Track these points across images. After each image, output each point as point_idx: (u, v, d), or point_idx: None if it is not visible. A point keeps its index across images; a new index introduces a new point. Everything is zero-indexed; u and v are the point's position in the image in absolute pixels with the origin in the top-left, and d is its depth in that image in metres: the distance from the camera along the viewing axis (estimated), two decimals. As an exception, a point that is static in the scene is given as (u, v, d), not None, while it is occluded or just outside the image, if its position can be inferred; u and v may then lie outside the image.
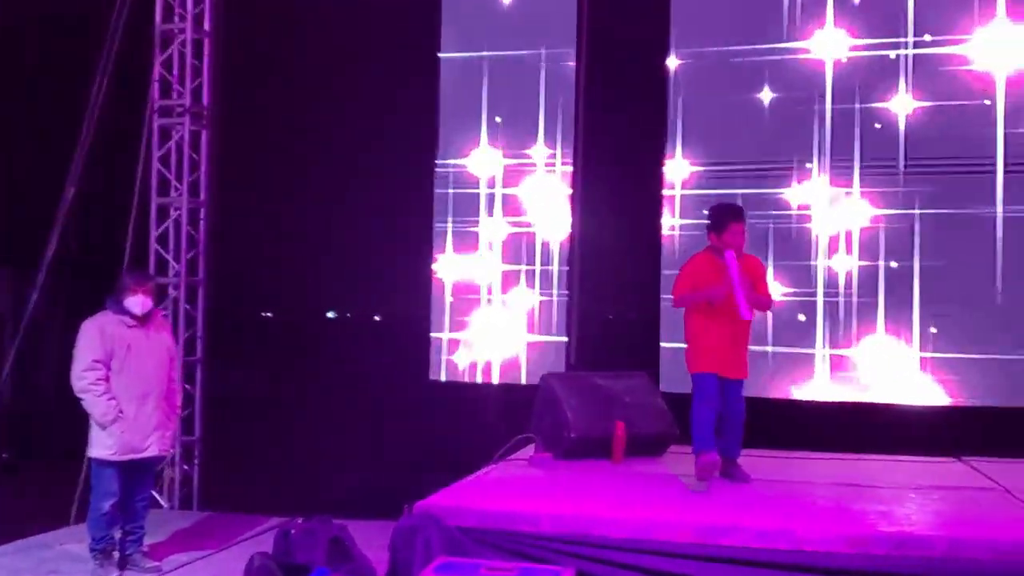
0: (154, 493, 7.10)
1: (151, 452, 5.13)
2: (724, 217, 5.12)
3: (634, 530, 4.13)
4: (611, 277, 7.21)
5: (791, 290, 6.82)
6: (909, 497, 4.86)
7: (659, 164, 7.18)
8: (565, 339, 7.23)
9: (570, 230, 7.33)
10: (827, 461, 5.96)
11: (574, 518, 4.22)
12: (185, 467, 7.41)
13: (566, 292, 7.31)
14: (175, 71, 7.75)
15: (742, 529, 4.08)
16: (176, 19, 7.77)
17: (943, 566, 3.87)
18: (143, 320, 5.18)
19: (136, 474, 5.13)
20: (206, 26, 7.82)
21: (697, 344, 5.12)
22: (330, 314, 7.50)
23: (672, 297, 5.25)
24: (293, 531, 4.75)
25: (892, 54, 6.68)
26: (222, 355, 7.55)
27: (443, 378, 7.43)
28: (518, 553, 4.18)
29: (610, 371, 6.37)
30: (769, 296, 5.30)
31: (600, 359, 6.98)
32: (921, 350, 6.64)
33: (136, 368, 5.07)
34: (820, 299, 6.81)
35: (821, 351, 6.79)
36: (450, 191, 7.46)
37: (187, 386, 7.57)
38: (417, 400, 7.24)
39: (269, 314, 7.51)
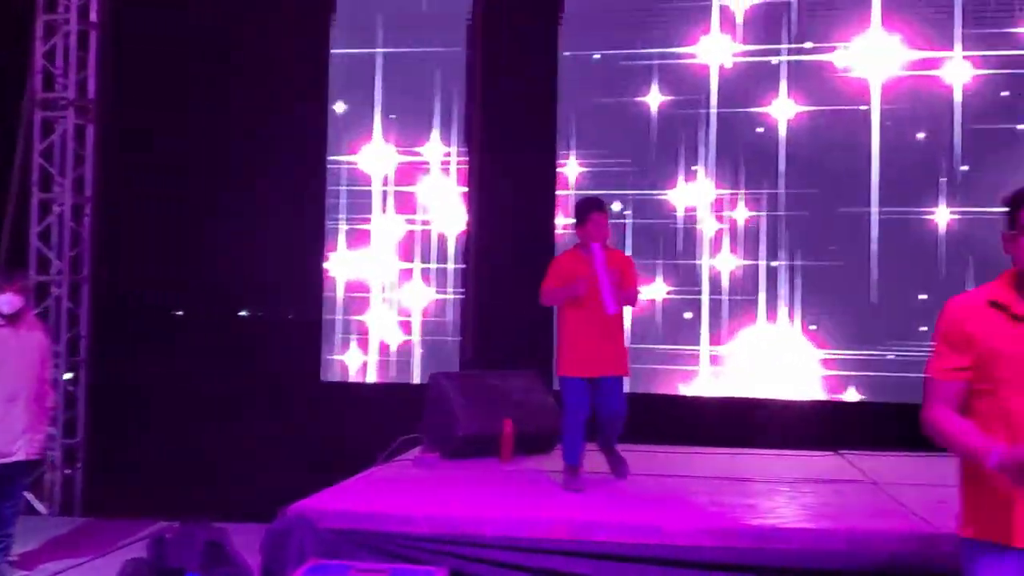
0: (32, 499, 6.90)
1: (19, 456, 4.97)
2: (585, 209, 5.02)
3: (507, 528, 4.16)
4: (506, 275, 7.23)
5: (674, 288, 6.98)
6: (780, 491, 5.02)
7: (552, 163, 7.25)
8: (459, 338, 7.24)
9: (465, 227, 7.35)
10: (709, 456, 6.12)
11: (448, 518, 4.23)
12: (67, 471, 7.21)
13: (461, 290, 7.33)
14: (59, 63, 7.54)
15: (614, 525, 4.16)
16: (60, 9, 7.55)
17: (803, 558, 3.99)
18: (13, 319, 5.02)
19: (3, 480, 4.97)
20: (92, 17, 7.62)
21: (564, 344, 5.03)
22: (220, 313, 7.36)
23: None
24: (168, 536, 4.66)
25: (773, 60, 6.88)
26: (109, 355, 7.37)
27: (336, 378, 7.37)
28: (393, 554, 4.17)
29: (501, 369, 6.42)
30: (637, 290, 5.24)
31: (495, 357, 7.01)
32: (800, 347, 6.86)
33: (4, 369, 4.91)
34: (705, 297, 6.98)
35: (706, 348, 6.96)
36: (342, 187, 7.40)
37: (70, 388, 7.37)
38: (309, 400, 7.17)
39: (156, 312, 7.32)
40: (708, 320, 6.95)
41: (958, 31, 6.75)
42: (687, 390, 7.03)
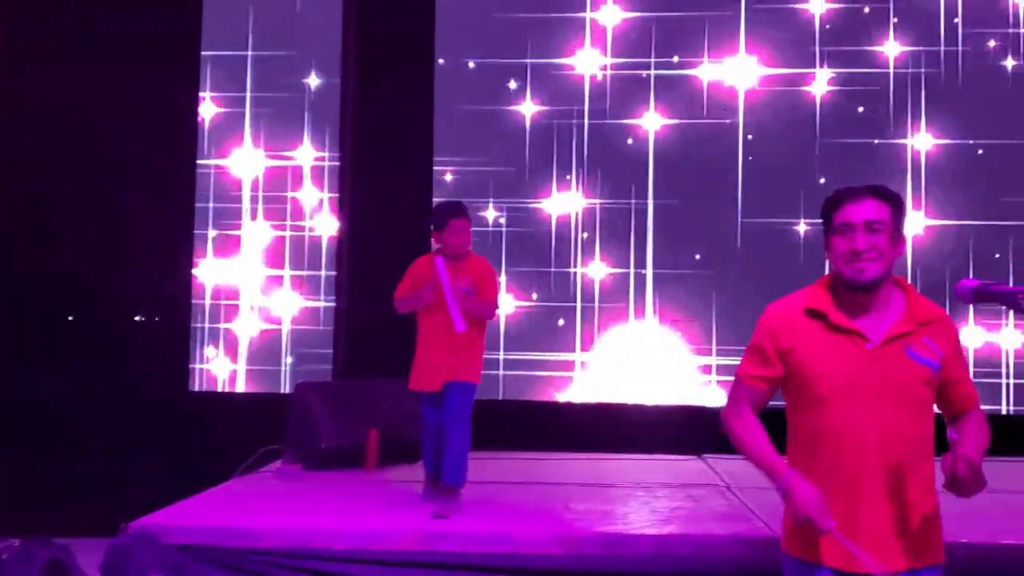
0: None
1: None
2: (444, 214, 4.79)
3: (356, 541, 4.12)
4: (379, 282, 7.13)
5: (546, 297, 7.04)
6: (636, 496, 5.10)
7: (428, 169, 7.22)
8: (331, 350, 7.14)
9: (337, 234, 7.25)
10: (574, 461, 6.18)
11: (296, 531, 4.16)
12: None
13: (333, 297, 7.23)
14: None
15: (462, 535, 4.15)
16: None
17: (651, 563, 4.06)
18: None
19: None
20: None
21: (416, 355, 4.88)
22: (81, 319, 7.06)
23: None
24: (5, 555, 4.45)
25: (644, 73, 7.01)
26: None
27: (204, 387, 7.18)
28: (240, 570, 4.08)
29: (369, 378, 6.36)
30: (494, 303, 4.94)
31: (367, 366, 6.93)
32: (668, 352, 6.99)
33: None
34: (578, 304, 7.06)
35: (579, 355, 7.03)
36: (211, 190, 7.22)
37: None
38: (174, 411, 6.95)
39: (7, 318, 6.98)
40: (580, 327, 7.03)
41: (818, 48, 7.00)
42: (561, 396, 7.09)
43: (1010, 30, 6.96)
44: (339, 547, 4.11)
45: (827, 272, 2.70)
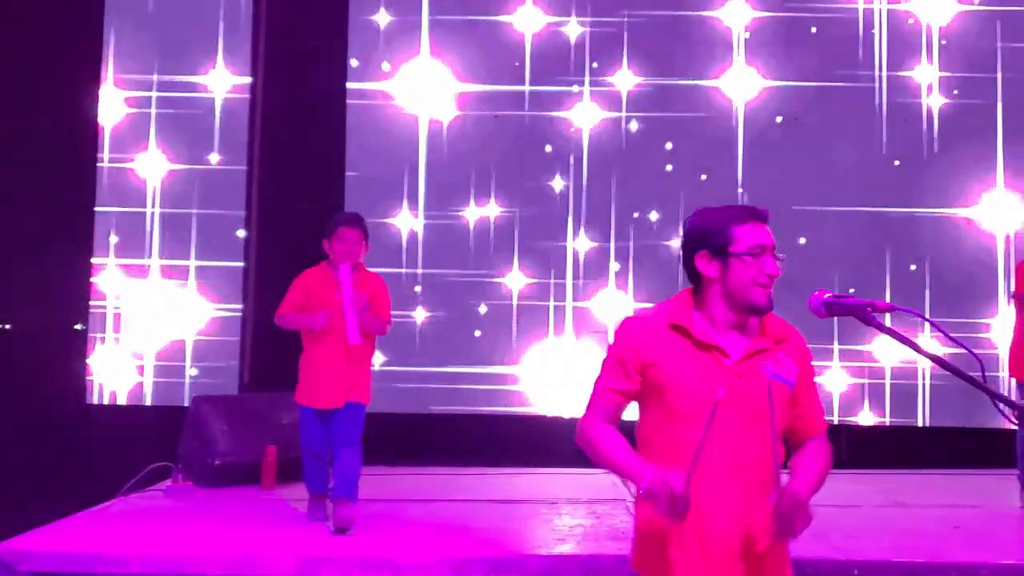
0: None
1: None
2: (334, 222, 4.60)
3: (228, 567, 3.91)
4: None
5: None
6: (539, 513, 4.94)
7: (341, 175, 7.01)
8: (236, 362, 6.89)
9: (244, 243, 7.00)
10: (487, 476, 6.01)
11: (166, 557, 3.94)
12: None
13: (240, 306, 6.98)
14: None
15: (343, 560, 3.96)
16: None
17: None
18: None
19: None
20: None
21: (301, 368, 4.65)
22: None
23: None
24: None
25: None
26: None
27: (103, 400, 6.87)
28: (105, 598, 3.86)
29: (272, 391, 6.12)
30: (387, 318, 4.69)
31: (275, 377, 6.67)
32: (584, 362, 6.83)
33: None
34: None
35: (498, 367, 6.87)
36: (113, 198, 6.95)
37: None
38: (70, 425, 6.63)
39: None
40: (499, 337, 6.87)
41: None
42: (476, 408, 6.91)
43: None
44: (212, 572, 3.90)
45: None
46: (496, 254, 6.93)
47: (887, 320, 2.40)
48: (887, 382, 6.80)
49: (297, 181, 7.05)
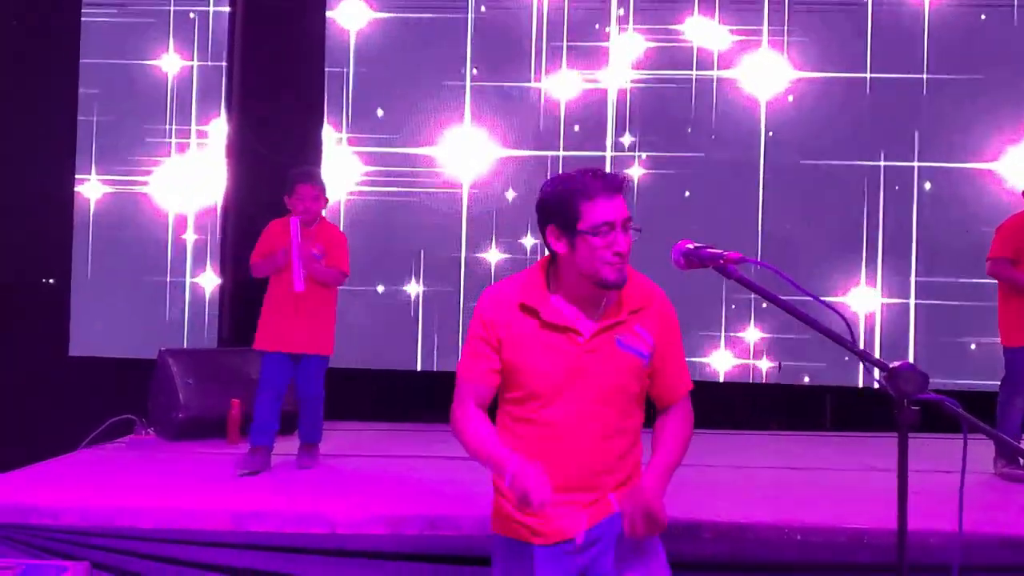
0: None
1: None
2: (294, 179, 4.87)
3: (163, 519, 3.90)
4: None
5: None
6: (476, 469, 4.83)
7: (318, 140, 6.90)
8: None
9: (223, 197, 6.93)
10: (430, 432, 5.89)
11: (100, 509, 3.95)
12: None
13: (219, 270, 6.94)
14: None
15: (277, 514, 3.94)
16: None
17: (467, 545, 3.85)
18: None
19: None
20: None
21: (261, 315, 4.92)
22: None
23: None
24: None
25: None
26: None
27: (87, 352, 6.89)
28: (40, 548, 3.87)
29: (243, 346, 6.10)
30: (342, 270, 4.95)
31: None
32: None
33: None
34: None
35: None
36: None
37: None
38: (53, 378, 6.68)
39: None
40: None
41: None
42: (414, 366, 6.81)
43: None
44: (145, 525, 3.90)
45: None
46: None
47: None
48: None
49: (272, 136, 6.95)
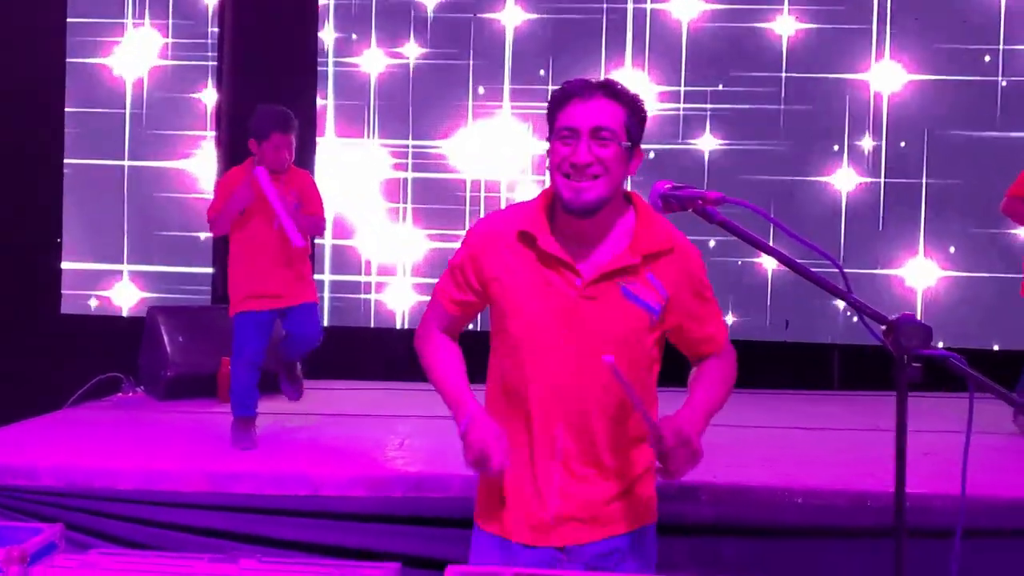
0: None
1: None
2: (268, 125, 4.31)
3: (141, 480, 3.79)
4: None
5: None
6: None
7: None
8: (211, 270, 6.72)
9: (217, 162, 6.71)
10: (415, 393, 5.75)
11: (77, 470, 3.84)
12: None
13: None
14: None
15: (257, 475, 3.82)
16: None
17: (449, 507, 3.71)
18: None
19: None
20: None
21: (236, 276, 4.46)
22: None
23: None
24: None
25: None
26: None
27: (80, 311, 6.77)
28: (14, 509, 3.77)
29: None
30: (322, 216, 4.63)
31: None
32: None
33: None
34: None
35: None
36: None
37: None
38: (46, 337, 6.56)
39: None
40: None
41: None
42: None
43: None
44: (124, 487, 3.79)
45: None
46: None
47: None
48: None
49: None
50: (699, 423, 2.07)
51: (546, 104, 2.14)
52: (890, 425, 1.72)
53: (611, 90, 2.08)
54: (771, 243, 1.98)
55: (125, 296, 6.75)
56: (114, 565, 1.77)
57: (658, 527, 2.32)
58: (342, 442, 4.40)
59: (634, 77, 6.39)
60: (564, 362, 2.09)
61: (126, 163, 6.75)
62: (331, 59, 6.69)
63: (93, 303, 6.76)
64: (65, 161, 6.74)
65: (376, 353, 6.41)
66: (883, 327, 1.74)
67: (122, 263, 6.75)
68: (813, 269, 1.90)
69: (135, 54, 6.73)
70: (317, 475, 3.82)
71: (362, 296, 6.65)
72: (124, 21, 6.75)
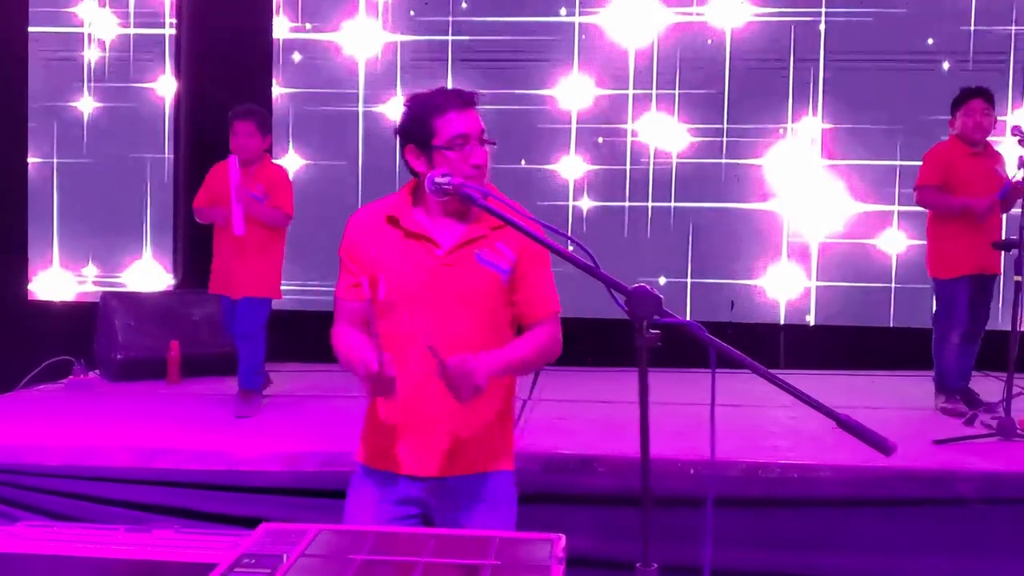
0: None
1: None
2: (230, 117, 4.78)
3: (68, 456, 4.00)
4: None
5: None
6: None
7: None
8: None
9: (174, 147, 6.90)
10: (334, 373, 5.88)
11: (6, 448, 4.06)
12: None
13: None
14: None
15: (178, 451, 4.02)
16: None
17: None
18: None
19: None
20: None
21: (213, 260, 4.97)
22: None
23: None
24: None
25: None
26: None
27: (49, 297, 6.97)
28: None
29: (192, 290, 6.18)
30: (286, 210, 4.83)
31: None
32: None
33: None
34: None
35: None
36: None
37: None
38: (10, 322, 6.77)
39: None
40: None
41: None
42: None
43: None
44: (52, 463, 4.00)
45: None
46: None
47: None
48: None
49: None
50: (492, 364, 2.31)
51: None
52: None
53: (475, 99, 2.42)
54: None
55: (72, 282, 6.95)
56: (38, 535, 1.98)
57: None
58: (262, 420, 4.63)
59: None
60: (431, 320, 2.40)
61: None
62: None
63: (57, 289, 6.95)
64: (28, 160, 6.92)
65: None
66: (623, 297, 1.86)
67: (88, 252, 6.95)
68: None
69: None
70: (235, 451, 4.02)
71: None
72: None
